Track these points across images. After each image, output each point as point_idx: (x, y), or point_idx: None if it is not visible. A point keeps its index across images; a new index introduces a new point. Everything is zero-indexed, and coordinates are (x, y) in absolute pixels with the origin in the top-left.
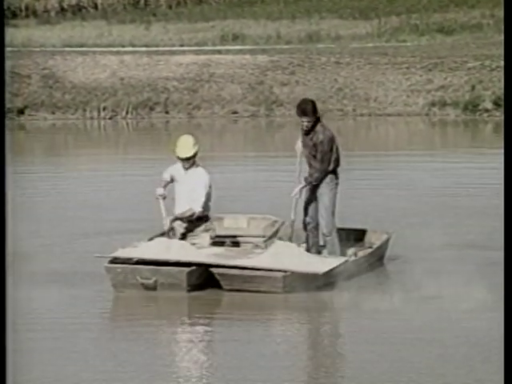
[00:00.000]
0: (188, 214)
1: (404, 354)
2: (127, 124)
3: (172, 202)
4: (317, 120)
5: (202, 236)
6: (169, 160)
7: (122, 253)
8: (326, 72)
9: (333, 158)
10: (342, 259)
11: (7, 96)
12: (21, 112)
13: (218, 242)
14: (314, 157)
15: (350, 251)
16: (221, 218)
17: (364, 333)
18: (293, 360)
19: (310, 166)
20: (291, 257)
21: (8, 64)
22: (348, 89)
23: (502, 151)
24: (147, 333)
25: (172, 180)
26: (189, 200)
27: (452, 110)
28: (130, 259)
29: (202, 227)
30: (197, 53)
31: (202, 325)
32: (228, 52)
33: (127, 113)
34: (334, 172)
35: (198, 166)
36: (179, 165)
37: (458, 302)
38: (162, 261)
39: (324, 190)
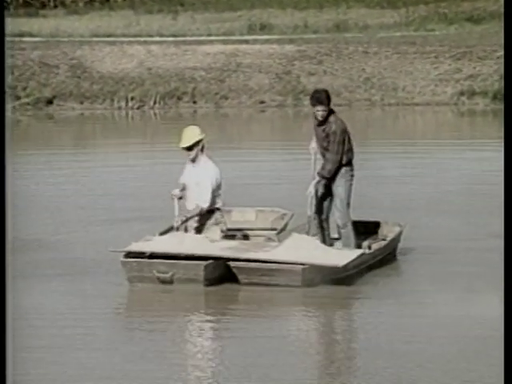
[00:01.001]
0: (196, 212)
1: (422, 351)
2: (155, 114)
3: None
4: (330, 111)
5: (213, 229)
6: None
7: (135, 247)
8: (354, 61)
9: (346, 149)
10: (359, 252)
11: (36, 85)
12: (49, 102)
13: (228, 235)
14: (326, 149)
15: (364, 244)
16: (229, 210)
17: (383, 329)
18: (308, 356)
19: (325, 159)
20: (309, 250)
21: (36, 54)
22: (376, 78)
23: None
24: (162, 326)
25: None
26: (195, 194)
27: (481, 99)
28: (143, 253)
29: (213, 220)
30: (224, 42)
31: (219, 319)
32: (255, 42)
33: (155, 103)
34: (349, 164)
35: (206, 160)
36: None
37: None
38: (177, 254)
39: (339, 182)
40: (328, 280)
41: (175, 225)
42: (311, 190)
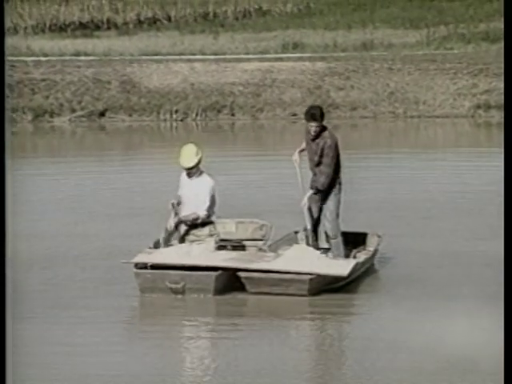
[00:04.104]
0: (192, 217)
1: (421, 362)
2: (196, 125)
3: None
4: (323, 127)
5: (207, 241)
6: (233, 156)
7: (146, 258)
8: (379, 77)
9: (337, 163)
10: (354, 261)
11: (89, 100)
12: (102, 114)
13: (221, 245)
14: (319, 163)
15: (351, 254)
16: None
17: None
18: (315, 364)
19: (316, 171)
20: (312, 260)
21: (90, 71)
22: (399, 93)
23: None
24: (173, 334)
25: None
26: (193, 205)
27: (496, 112)
28: (146, 264)
29: (207, 232)
30: (260, 60)
31: (229, 327)
32: (289, 59)
33: (197, 115)
34: (338, 176)
35: (202, 173)
36: (184, 172)
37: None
38: (189, 265)
39: (329, 195)
40: (329, 289)
41: (168, 228)
42: (305, 202)
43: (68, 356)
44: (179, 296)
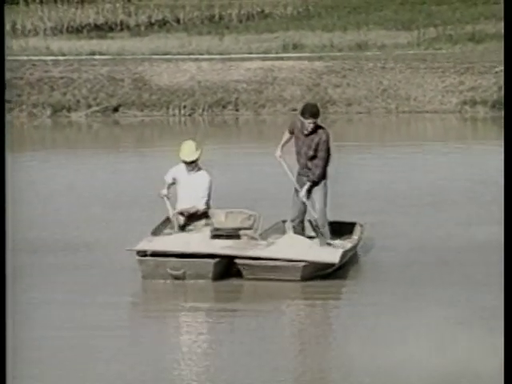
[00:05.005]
0: (192, 210)
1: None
2: (203, 120)
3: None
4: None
5: (203, 230)
6: (237, 149)
7: (148, 246)
8: (373, 75)
9: (328, 157)
10: (340, 250)
11: (104, 96)
12: (115, 110)
13: (216, 235)
14: (313, 157)
15: (336, 242)
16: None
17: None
18: (307, 346)
19: (310, 165)
20: (303, 248)
21: (105, 69)
22: (391, 90)
23: None
24: (174, 317)
25: (174, 182)
26: (191, 199)
27: (481, 108)
28: (145, 251)
29: (203, 222)
30: (263, 59)
31: (227, 311)
32: (289, 59)
33: (203, 110)
34: (326, 169)
35: (199, 168)
36: (182, 166)
37: None
38: (186, 253)
39: (318, 187)
40: (319, 275)
41: (171, 218)
42: (303, 194)
43: (72, 339)
44: (180, 282)
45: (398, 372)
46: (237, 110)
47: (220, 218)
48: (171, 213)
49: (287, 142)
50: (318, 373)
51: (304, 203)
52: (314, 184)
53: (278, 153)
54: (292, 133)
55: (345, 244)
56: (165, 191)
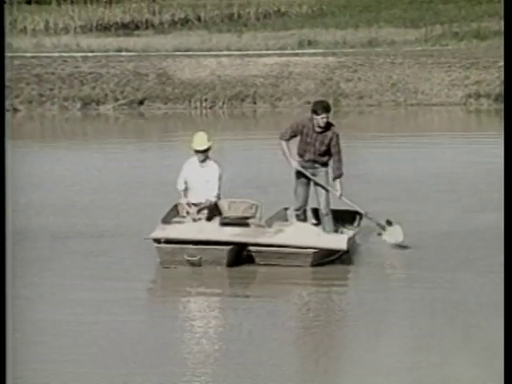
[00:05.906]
0: (207, 205)
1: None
2: (223, 112)
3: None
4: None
5: (214, 219)
6: (254, 140)
7: (163, 234)
8: (383, 70)
9: None
10: (345, 236)
11: (130, 90)
12: (141, 103)
13: (224, 223)
14: (325, 153)
15: (340, 229)
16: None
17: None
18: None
19: (323, 160)
20: (312, 235)
21: (131, 65)
22: (400, 84)
23: None
24: (191, 302)
25: (186, 186)
26: (204, 190)
27: (485, 100)
28: (159, 240)
29: (213, 212)
30: (279, 55)
31: (240, 297)
32: (304, 55)
33: (223, 103)
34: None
35: (210, 160)
36: (193, 159)
37: None
38: (201, 240)
39: (319, 176)
40: (327, 261)
41: (190, 211)
42: (340, 191)
43: (91, 324)
44: (196, 268)
45: (405, 356)
46: (254, 103)
47: (224, 208)
48: (192, 209)
49: (289, 149)
50: (327, 355)
51: (304, 193)
52: (338, 177)
53: (295, 164)
54: (290, 138)
55: (349, 232)
56: (183, 199)
